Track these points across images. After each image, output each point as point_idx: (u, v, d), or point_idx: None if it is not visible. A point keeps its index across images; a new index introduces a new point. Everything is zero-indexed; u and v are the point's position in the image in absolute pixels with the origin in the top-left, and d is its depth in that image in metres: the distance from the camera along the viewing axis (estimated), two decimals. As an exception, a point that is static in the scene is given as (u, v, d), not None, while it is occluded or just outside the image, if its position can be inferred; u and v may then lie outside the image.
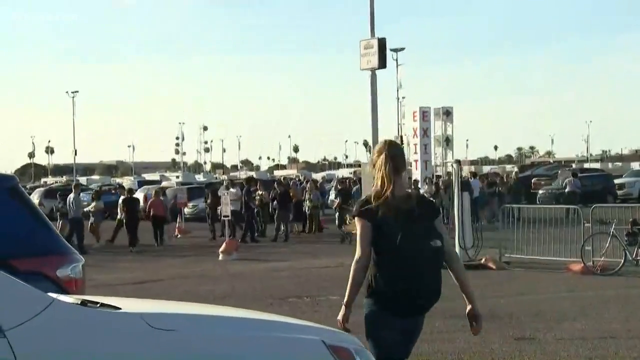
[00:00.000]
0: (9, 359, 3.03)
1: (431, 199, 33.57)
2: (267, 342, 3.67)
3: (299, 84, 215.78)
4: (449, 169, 30.76)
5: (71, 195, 31.30)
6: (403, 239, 5.81)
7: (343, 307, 6.14)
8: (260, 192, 34.30)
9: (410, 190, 7.25)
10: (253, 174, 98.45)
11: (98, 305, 3.60)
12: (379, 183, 6.09)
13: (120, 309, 3.56)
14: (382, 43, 27.37)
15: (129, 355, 3.30)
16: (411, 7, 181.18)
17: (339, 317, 5.96)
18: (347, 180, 45.70)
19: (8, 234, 5.55)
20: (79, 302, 3.58)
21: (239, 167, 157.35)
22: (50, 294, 3.45)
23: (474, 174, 44.55)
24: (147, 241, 31.86)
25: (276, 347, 3.64)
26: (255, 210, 33.87)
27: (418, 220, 5.98)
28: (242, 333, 3.71)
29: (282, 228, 33.18)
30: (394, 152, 6.19)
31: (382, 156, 6.13)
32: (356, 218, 6.12)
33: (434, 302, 6.31)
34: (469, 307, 6.43)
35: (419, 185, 34.94)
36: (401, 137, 55.08)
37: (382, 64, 27.69)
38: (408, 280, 5.91)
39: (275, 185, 37.49)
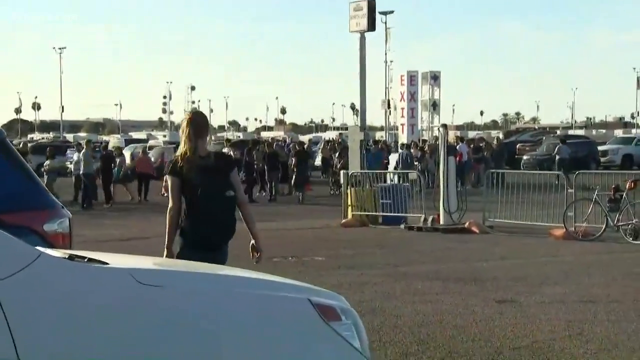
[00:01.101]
0: None
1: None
2: (253, 299, 3.67)
3: (287, 45, 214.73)
4: (435, 133, 30.64)
5: (82, 152, 31.45)
6: (203, 190, 7.01)
7: (165, 249, 7.33)
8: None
9: (210, 150, 8.14)
10: (240, 135, 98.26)
11: (85, 260, 3.61)
12: (183, 145, 7.35)
13: (108, 264, 3.57)
14: (371, 5, 27.33)
15: (116, 309, 3.30)
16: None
17: (164, 258, 6.94)
18: (331, 142, 45.79)
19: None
20: (67, 257, 3.59)
21: (226, 128, 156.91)
22: (37, 247, 3.45)
23: (461, 139, 44.70)
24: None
25: (262, 305, 3.64)
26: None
27: (216, 175, 7.32)
28: (228, 290, 3.72)
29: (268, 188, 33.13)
30: (196, 120, 7.54)
31: (185, 122, 7.49)
32: (167, 175, 7.42)
33: (227, 239, 7.53)
34: (253, 242, 7.84)
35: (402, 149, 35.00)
36: (388, 100, 55.04)
37: (372, 26, 27.72)
38: (207, 223, 7.17)
39: (265, 146, 37.43)
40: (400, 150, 35.65)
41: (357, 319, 3.86)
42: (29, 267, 3.19)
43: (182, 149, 7.36)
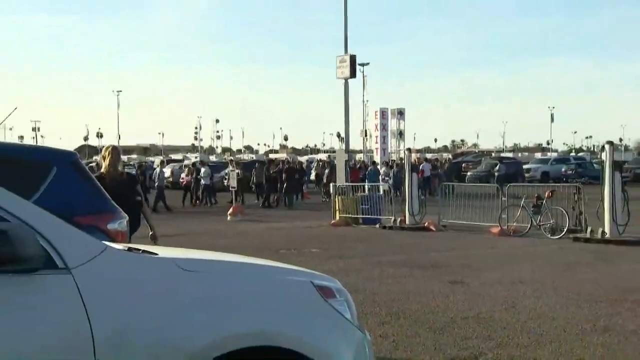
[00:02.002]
0: (74, 291, 3.00)
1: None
2: (270, 282, 3.66)
3: (289, 88, 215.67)
4: (401, 155, 30.69)
5: (157, 169, 33.33)
6: (117, 195, 7.16)
7: None
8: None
9: (121, 170, 9.41)
10: (253, 156, 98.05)
11: (140, 251, 3.58)
12: (106, 165, 8.63)
13: (157, 254, 3.54)
14: (352, 59, 27.52)
15: (164, 289, 3.28)
16: (375, 34, 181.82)
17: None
18: (321, 162, 45.80)
19: (72, 197, 5.52)
20: (126, 249, 3.56)
21: (242, 151, 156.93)
22: (104, 241, 3.42)
23: (426, 159, 45.06)
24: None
25: (276, 286, 3.62)
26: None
27: (126, 185, 8.63)
28: (250, 275, 3.69)
29: (274, 197, 33.00)
30: (115, 150, 8.91)
31: (108, 151, 8.82)
32: None
33: (134, 231, 8.21)
34: (151, 233, 9.08)
35: (379, 167, 34.98)
36: (365, 130, 55.41)
37: (353, 74, 27.88)
38: None
39: (280, 163, 37.29)
40: (370, 167, 35.67)
41: (348, 296, 3.84)
42: (99, 256, 3.17)
43: (105, 167, 8.67)
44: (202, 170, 34.13)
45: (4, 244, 2.82)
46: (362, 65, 61.01)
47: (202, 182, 33.56)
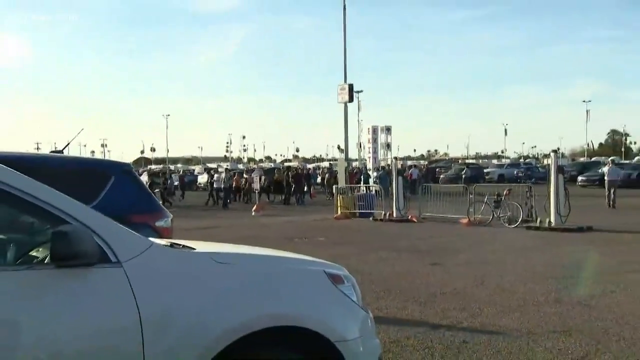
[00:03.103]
0: (124, 281, 2.83)
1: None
2: (290, 271, 3.48)
3: (301, 110, 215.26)
4: (389, 162, 30.67)
5: (222, 174, 33.28)
6: None
7: None
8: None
9: None
10: (272, 164, 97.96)
11: (180, 246, 3.38)
12: None
13: (194, 249, 3.35)
14: (350, 87, 27.60)
15: (201, 279, 3.10)
16: (369, 65, 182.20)
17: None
18: (323, 169, 45.71)
19: (127, 199, 5.36)
20: (169, 245, 3.35)
21: (263, 160, 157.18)
22: (150, 238, 3.22)
23: (415, 166, 45.40)
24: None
25: (296, 275, 3.43)
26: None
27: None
28: (273, 266, 3.50)
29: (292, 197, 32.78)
30: None
31: None
32: None
33: None
34: None
35: (370, 172, 34.85)
36: (360, 143, 55.62)
37: (351, 99, 27.97)
38: None
39: (289, 171, 37.00)
40: (380, 172, 35.49)
41: (354, 281, 3.64)
42: (145, 252, 2.98)
43: None
44: (215, 175, 33.76)
45: (65, 243, 2.68)
46: (357, 92, 60.95)
47: (215, 185, 32.89)
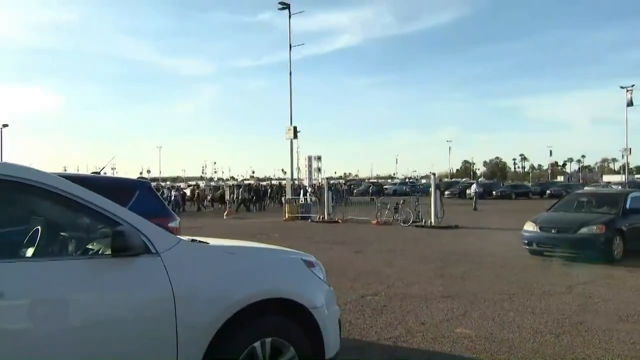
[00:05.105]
0: (161, 267, 2.69)
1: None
2: (278, 258, 3.39)
3: (256, 144, 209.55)
4: (322, 181, 30.69)
5: (241, 189, 31.41)
6: None
7: None
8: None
9: None
10: (235, 182, 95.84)
11: (198, 242, 3.23)
12: None
13: (209, 243, 3.21)
14: (295, 128, 27.38)
15: (217, 266, 2.97)
16: (307, 114, 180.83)
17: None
18: (273, 186, 45.18)
19: (148, 207, 5.11)
20: (191, 240, 3.20)
21: (229, 179, 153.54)
22: (178, 236, 3.06)
23: (344, 183, 45.71)
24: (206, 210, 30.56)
25: (282, 261, 3.35)
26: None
27: None
28: (266, 255, 3.40)
29: (252, 206, 32.32)
30: None
31: None
32: None
33: None
34: None
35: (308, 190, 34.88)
36: (298, 167, 55.75)
37: (295, 136, 27.68)
38: None
39: (250, 187, 36.45)
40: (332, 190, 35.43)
41: (321, 265, 3.57)
42: (176, 245, 2.83)
43: None
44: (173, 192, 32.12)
45: (122, 239, 2.56)
46: (298, 132, 61.03)
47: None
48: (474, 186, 29.90)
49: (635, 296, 6.71)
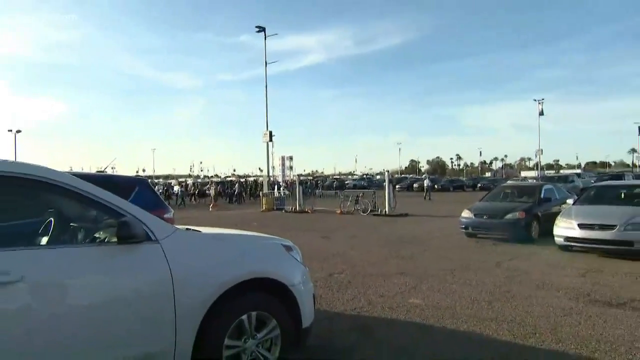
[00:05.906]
0: (161, 253, 2.67)
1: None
2: (261, 244, 3.39)
3: (239, 147, 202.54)
4: (293, 178, 30.59)
5: (237, 186, 31.00)
6: None
7: None
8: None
9: None
10: (219, 178, 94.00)
11: (192, 230, 3.22)
12: None
13: (200, 232, 3.20)
14: (270, 132, 27.07)
15: (208, 251, 2.96)
16: (281, 120, 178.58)
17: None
18: (251, 181, 44.56)
19: (146, 200, 5.00)
20: (185, 229, 3.18)
21: (213, 176, 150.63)
22: (174, 225, 3.04)
23: (313, 179, 45.45)
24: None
25: (264, 246, 3.36)
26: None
27: None
28: (250, 241, 3.42)
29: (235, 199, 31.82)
30: None
31: None
32: None
33: None
34: None
35: (282, 185, 34.70)
36: (274, 166, 55.14)
37: (270, 139, 27.40)
38: None
39: (237, 183, 35.95)
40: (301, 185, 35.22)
41: (298, 249, 3.62)
42: (173, 234, 2.81)
43: None
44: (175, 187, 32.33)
45: (127, 229, 2.55)
46: (273, 135, 60.48)
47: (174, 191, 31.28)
48: (426, 180, 30.87)
49: (549, 269, 7.10)
